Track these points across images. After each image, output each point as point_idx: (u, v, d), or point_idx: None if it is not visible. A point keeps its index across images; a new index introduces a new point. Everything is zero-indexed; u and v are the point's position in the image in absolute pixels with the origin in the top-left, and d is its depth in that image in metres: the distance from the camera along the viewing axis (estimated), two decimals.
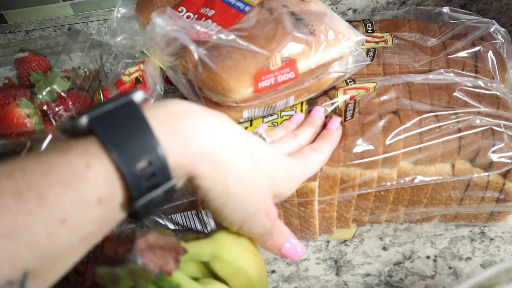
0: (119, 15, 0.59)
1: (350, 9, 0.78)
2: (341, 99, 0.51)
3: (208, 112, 0.34)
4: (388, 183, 0.46)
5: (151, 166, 0.28)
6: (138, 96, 0.30)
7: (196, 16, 0.51)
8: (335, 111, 0.50)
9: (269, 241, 0.39)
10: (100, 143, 0.28)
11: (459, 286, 0.26)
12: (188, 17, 0.52)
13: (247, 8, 0.48)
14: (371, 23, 0.62)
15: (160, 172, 0.29)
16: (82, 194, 0.26)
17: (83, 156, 0.27)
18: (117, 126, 0.28)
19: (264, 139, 0.45)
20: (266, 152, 0.38)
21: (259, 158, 0.37)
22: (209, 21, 0.48)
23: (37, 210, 0.25)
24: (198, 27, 0.45)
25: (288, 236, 0.40)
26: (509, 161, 0.44)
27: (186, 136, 0.31)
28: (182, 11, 0.53)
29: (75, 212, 0.26)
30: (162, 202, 0.31)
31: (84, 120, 0.28)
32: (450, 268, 0.50)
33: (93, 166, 0.27)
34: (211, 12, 0.49)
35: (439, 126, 0.45)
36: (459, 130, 0.45)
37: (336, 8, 0.78)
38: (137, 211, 0.29)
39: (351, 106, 0.49)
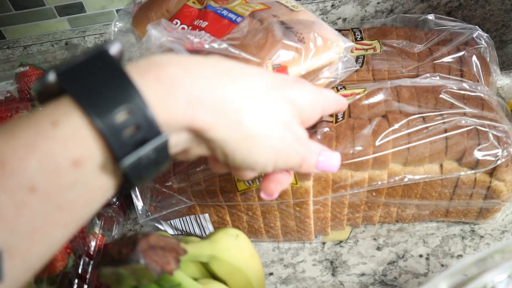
0: (116, 29, 0.61)
1: (339, 18, 0.80)
2: None
3: (197, 56, 0.30)
4: (379, 183, 0.48)
5: (132, 116, 0.25)
6: (114, 47, 0.27)
7: (190, 28, 0.53)
8: None
9: (304, 165, 0.35)
10: (70, 98, 0.24)
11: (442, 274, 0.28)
12: (182, 29, 0.54)
13: (238, 19, 0.50)
14: (360, 31, 0.63)
15: (145, 123, 0.25)
16: (51, 156, 0.23)
17: (50, 115, 0.24)
18: (88, 78, 0.25)
19: None
20: (278, 76, 0.34)
21: (273, 84, 0.32)
22: (203, 32, 0.50)
23: (0, 178, 0.22)
24: (192, 38, 0.47)
25: (319, 150, 0.36)
26: (494, 159, 0.46)
27: (173, 82, 0.27)
28: (177, 23, 0.55)
29: (45, 178, 0.23)
30: (154, 163, 0.27)
31: (51, 76, 0.25)
32: (442, 265, 0.51)
33: (61, 124, 0.24)
34: (204, 24, 0.51)
35: (426, 127, 0.47)
36: (445, 131, 0.46)
37: (326, 17, 0.80)
38: (126, 175, 0.26)
39: None
